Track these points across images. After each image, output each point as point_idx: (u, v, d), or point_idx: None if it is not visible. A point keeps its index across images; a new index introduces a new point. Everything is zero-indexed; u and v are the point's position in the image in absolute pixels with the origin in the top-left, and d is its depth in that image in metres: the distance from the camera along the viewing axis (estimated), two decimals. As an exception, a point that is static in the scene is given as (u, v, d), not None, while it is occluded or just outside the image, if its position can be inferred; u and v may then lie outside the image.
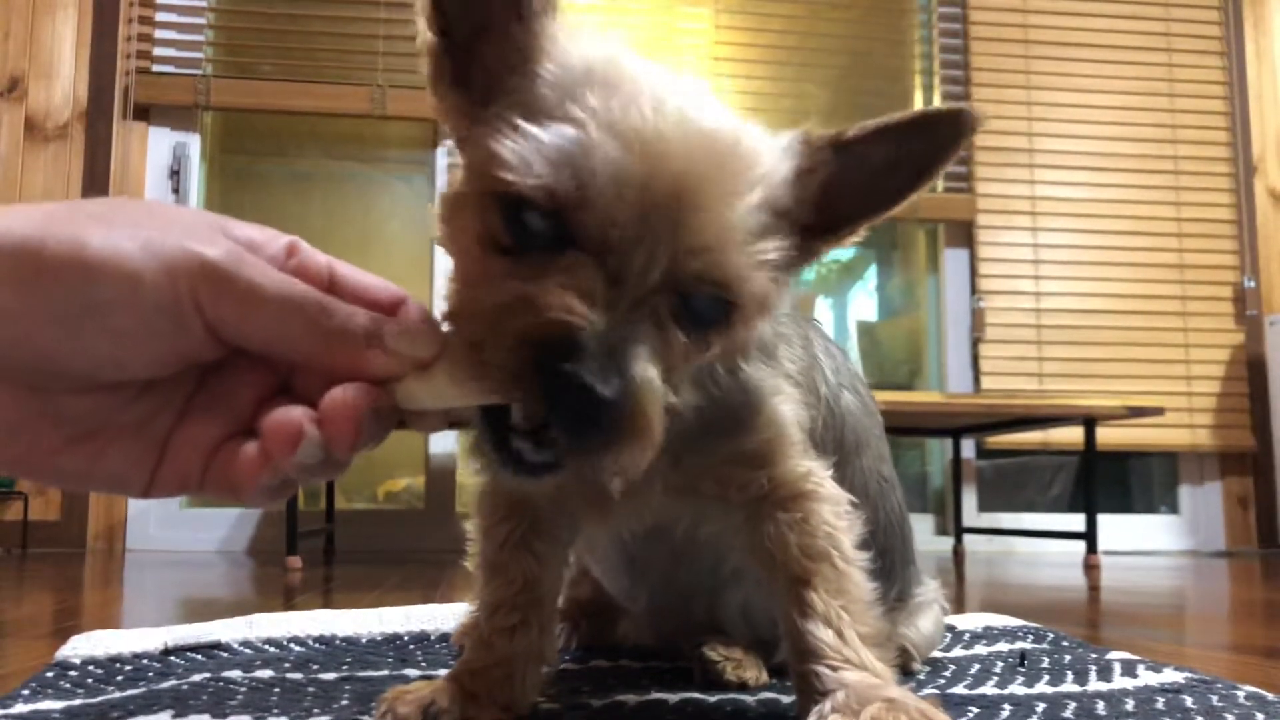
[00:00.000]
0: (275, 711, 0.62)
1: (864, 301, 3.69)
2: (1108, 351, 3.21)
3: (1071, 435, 2.76)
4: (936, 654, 0.88)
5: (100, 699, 0.66)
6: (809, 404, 0.65)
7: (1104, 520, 2.63)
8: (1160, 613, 1.54)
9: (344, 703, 0.66)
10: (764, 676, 0.74)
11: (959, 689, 0.74)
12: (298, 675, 0.75)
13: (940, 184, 3.09)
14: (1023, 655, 0.87)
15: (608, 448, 0.43)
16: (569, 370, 0.41)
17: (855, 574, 0.59)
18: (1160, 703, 0.68)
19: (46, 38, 2.84)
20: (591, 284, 0.43)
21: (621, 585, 0.81)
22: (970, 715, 0.64)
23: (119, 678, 0.74)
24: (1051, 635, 1.01)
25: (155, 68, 2.91)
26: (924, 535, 3.17)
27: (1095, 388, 3.11)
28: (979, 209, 3.21)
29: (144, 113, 2.91)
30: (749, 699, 0.69)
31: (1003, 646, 0.94)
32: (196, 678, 0.72)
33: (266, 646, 0.89)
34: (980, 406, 2.64)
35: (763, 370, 0.61)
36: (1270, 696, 0.70)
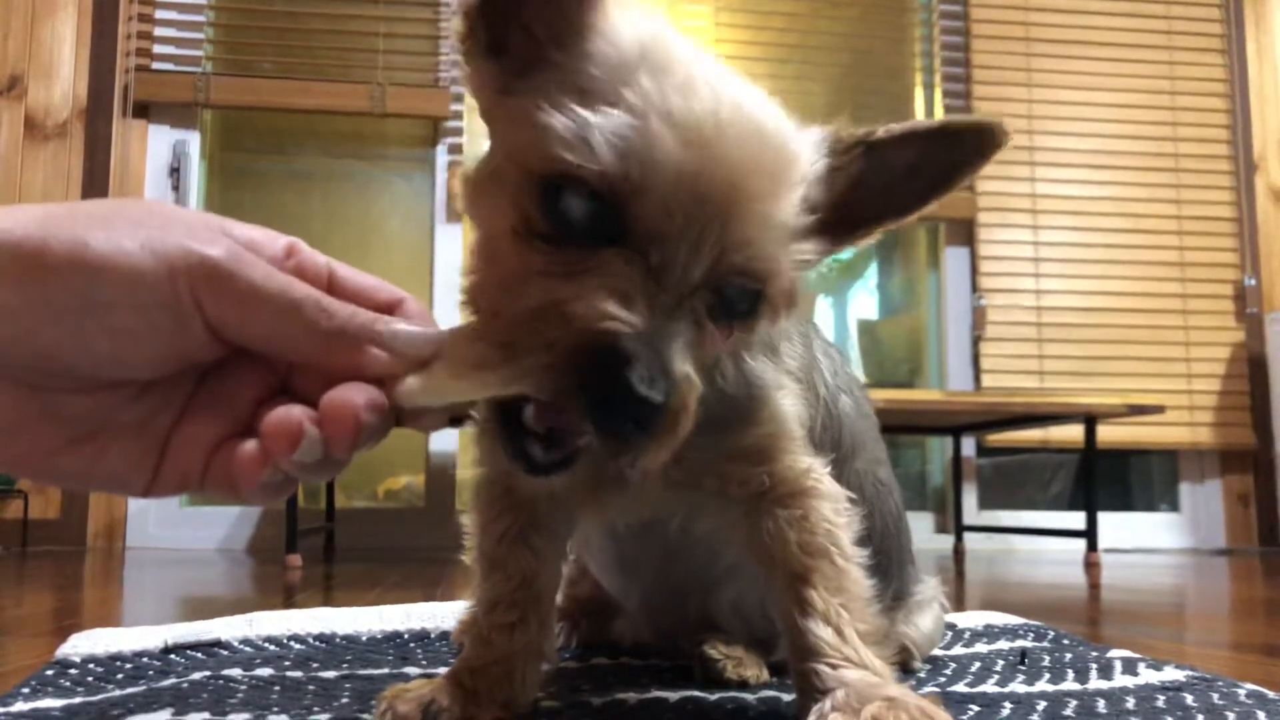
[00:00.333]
0: (275, 709, 0.62)
1: (864, 299, 3.69)
2: (1108, 349, 3.21)
3: (1072, 433, 2.76)
4: (937, 652, 0.87)
5: (100, 697, 0.66)
6: (809, 402, 0.65)
7: (1104, 518, 2.63)
8: (1161, 611, 1.54)
9: (344, 701, 0.66)
10: (764, 675, 0.74)
11: (960, 687, 0.74)
12: (298, 673, 0.75)
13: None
14: (1023, 653, 0.87)
15: (646, 446, 0.43)
16: (623, 380, 0.41)
17: (854, 571, 0.59)
18: (1161, 701, 0.68)
19: (46, 36, 2.84)
20: (631, 284, 0.43)
21: (615, 582, 0.81)
22: (971, 713, 0.64)
23: (119, 676, 0.74)
24: (1052, 633, 1.01)
25: (155, 66, 2.91)
26: (924, 533, 3.17)
27: (1096, 385, 3.11)
28: (979, 207, 3.21)
29: (143, 111, 2.90)
30: (749, 697, 0.69)
31: (1003, 644, 0.94)
32: (196, 676, 0.72)
33: (267, 645, 0.89)
34: (981, 404, 2.64)
35: (766, 365, 0.61)
36: (1271, 694, 0.70)
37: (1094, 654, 0.87)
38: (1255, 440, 3.23)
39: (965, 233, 3.26)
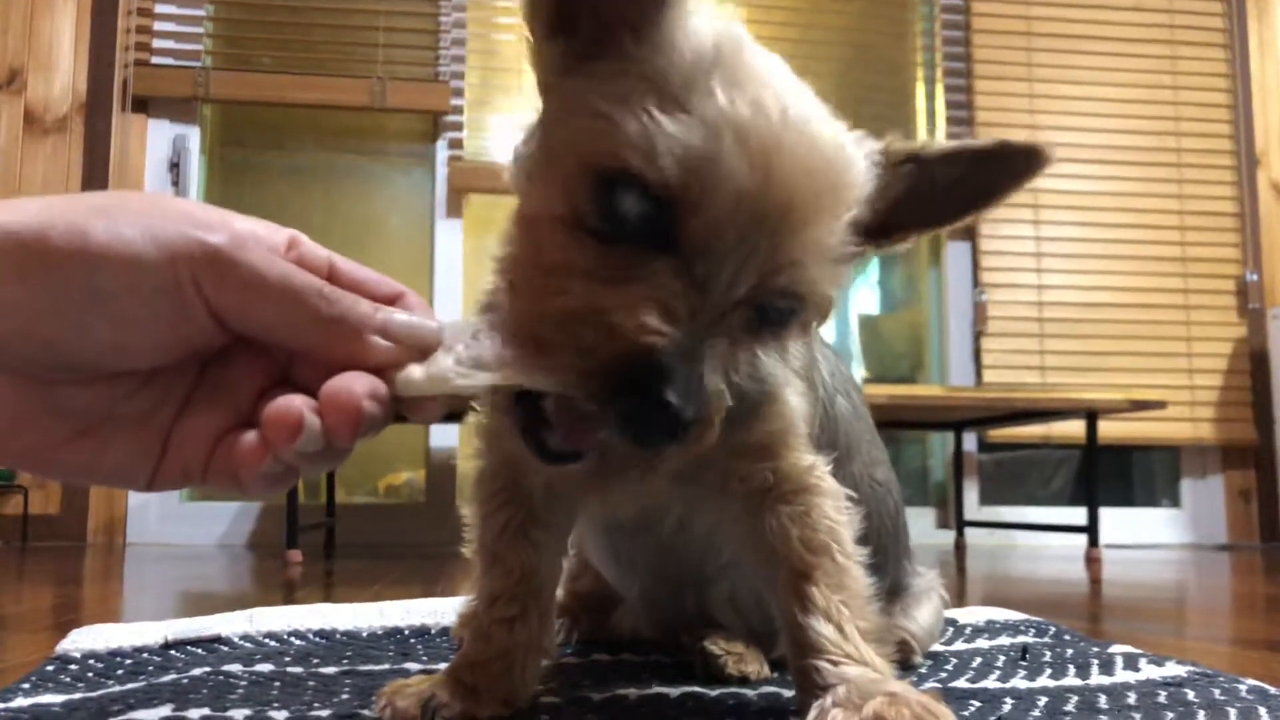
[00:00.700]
0: (275, 705, 0.62)
1: (866, 295, 3.69)
2: (1110, 345, 3.20)
3: (1073, 429, 2.76)
4: (938, 648, 0.87)
5: (100, 693, 0.66)
6: (811, 401, 0.65)
7: (1105, 514, 2.63)
8: (1162, 606, 1.54)
9: (344, 696, 0.65)
10: (765, 670, 0.74)
11: (961, 682, 0.74)
12: (298, 669, 0.75)
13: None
14: (1024, 649, 0.87)
15: (670, 453, 0.44)
16: (658, 396, 0.41)
17: (855, 569, 0.59)
18: (1162, 696, 0.68)
19: (45, 30, 2.83)
20: (676, 297, 0.43)
21: (614, 574, 0.81)
22: (972, 709, 0.64)
23: (119, 671, 0.74)
24: (1053, 629, 1.01)
25: (154, 60, 2.91)
26: (925, 529, 3.17)
27: (1097, 381, 3.11)
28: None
29: (143, 105, 2.90)
30: (750, 693, 0.69)
31: (1004, 640, 0.94)
32: (196, 671, 0.72)
33: (267, 640, 0.88)
34: (982, 400, 2.63)
35: (775, 362, 0.61)
36: (1272, 690, 0.69)
37: (1095, 649, 0.87)
38: (1257, 436, 3.23)
39: (966, 228, 3.25)
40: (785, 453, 0.60)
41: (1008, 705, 0.65)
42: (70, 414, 0.41)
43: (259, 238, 0.42)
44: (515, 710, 0.61)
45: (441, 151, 3.03)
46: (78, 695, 0.65)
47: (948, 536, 3.10)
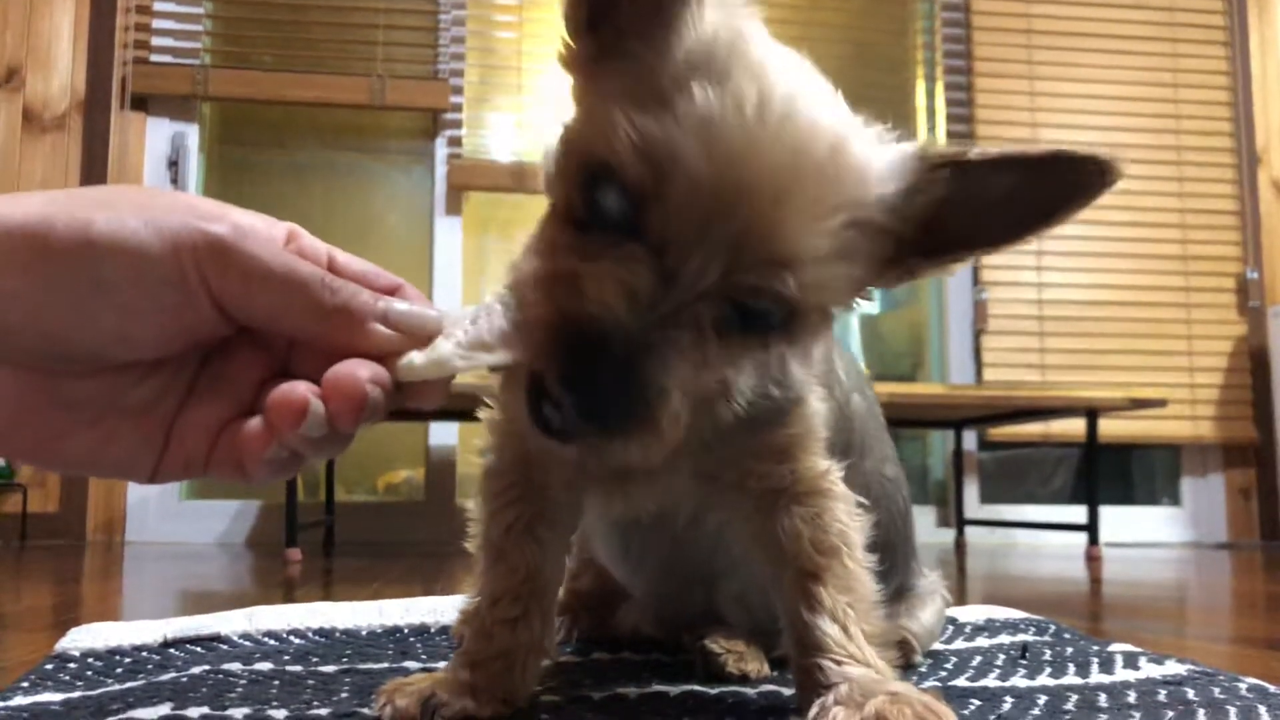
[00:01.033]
0: (275, 704, 0.62)
1: (865, 293, 3.68)
2: (1110, 343, 3.20)
3: (1073, 427, 2.76)
4: (938, 646, 0.87)
5: (99, 691, 0.66)
6: (830, 405, 0.65)
7: (1106, 512, 2.63)
8: (1162, 605, 1.54)
9: (344, 695, 0.65)
10: (765, 669, 0.74)
11: (961, 681, 0.74)
12: (297, 667, 0.75)
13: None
14: (1024, 648, 0.87)
15: (615, 439, 0.44)
16: (589, 367, 0.42)
17: (863, 574, 0.60)
18: (1162, 695, 0.68)
19: (44, 28, 2.83)
20: (640, 280, 0.43)
21: (621, 570, 0.81)
22: (972, 707, 0.64)
23: (118, 670, 0.74)
24: (1053, 627, 1.01)
25: (153, 58, 2.90)
26: (925, 527, 3.17)
27: (1097, 379, 3.11)
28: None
29: (142, 103, 2.90)
30: (750, 691, 0.69)
31: (1004, 639, 0.94)
32: (196, 670, 0.72)
33: (266, 639, 0.88)
34: (982, 398, 2.63)
35: (800, 368, 0.61)
36: (1272, 688, 0.69)
37: (1095, 648, 0.87)
38: (1257, 434, 3.23)
39: (966, 226, 3.25)
40: (803, 455, 0.60)
41: (1007, 704, 0.65)
42: (74, 405, 0.41)
43: (259, 229, 0.43)
44: (515, 709, 0.61)
45: (441, 149, 3.03)
46: (77, 694, 0.65)
47: (948, 535, 3.10)
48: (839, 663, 0.56)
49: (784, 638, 0.61)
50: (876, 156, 0.47)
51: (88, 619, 0.95)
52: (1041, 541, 3.03)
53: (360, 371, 0.41)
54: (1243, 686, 0.70)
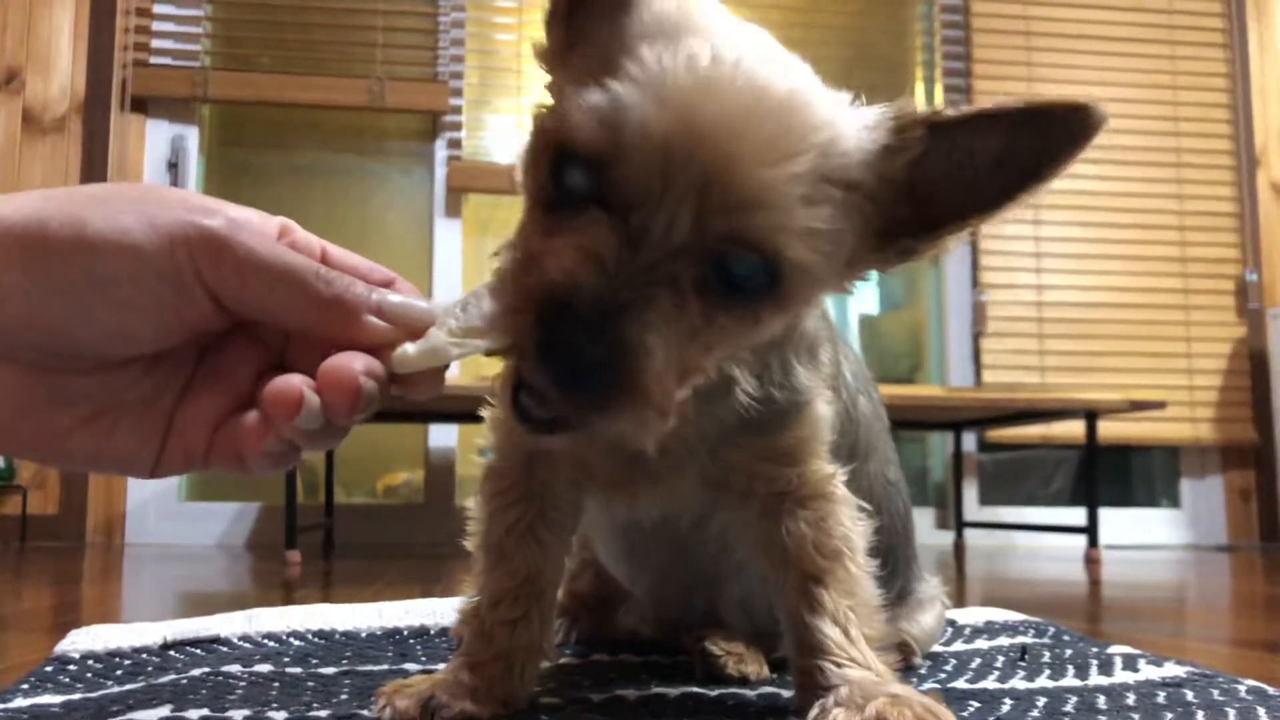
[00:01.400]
0: (274, 706, 0.62)
1: (865, 294, 3.69)
2: (1109, 345, 3.20)
3: (1073, 429, 2.76)
4: (937, 648, 0.87)
5: (99, 693, 0.66)
6: (836, 408, 0.65)
7: (1105, 514, 2.63)
8: (1161, 607, 1.54)
9: (343, 697, 0.65)
10: (765, 671, 0.74)
11: (960, 683, 0.74)
12: (297, 669, 0.75)
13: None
14: (1024, 650, 0.87)
15: (600, 410, 0.43)
16: (558, 330, 0.41)
17: (865, 579, 0.60)
18: (1161, 697, 0.68)
19: (44, 30, 2.83)
20: (603, 244, 0.42)
21: (623, 571, 0.81)
22: (971, 709, 0.64)
23: (118, 672, 0.74)
24: (1052, 629, 1.01)
25: (153, 60, 2.90)
26: (925, 529, 3.17)
27: (1097, 381, 3.11)
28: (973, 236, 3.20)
29: (141, 105, 2.90)
30: (749, 693, 0.69)
31: (1004, 641, 0.94)
32: (195, 672, 0.72)
33: (266, 641, 0.88)
34: (981, 400, 2.63)
35: (808, 371, 0.61)
36: (1271, 690, 0.69)
37: (1094, 650, 0.87)
38: (1256, 436, 3.23)
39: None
40: (809, 459, 0.60)
41: (1006, 706, 0.65)
42: (75, 401, 0.42)
43: (253, 223, 0.43)
44: (514, 711, 0.61)
45: (440, 151, 3.03)
46: (77, 696, 0.65)
47: (947, 537, 3.10)
48: (839, 665, 0.56)
49: (784, 640, 0.61)
50: (842, 112, 0.47)
51: (87, 621, 0.95)
52: (1041, 544, 3.03)
53: (354, 364, 0.42)
54: (1242, 688, 0.70)
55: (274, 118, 3.18)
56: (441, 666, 0.65)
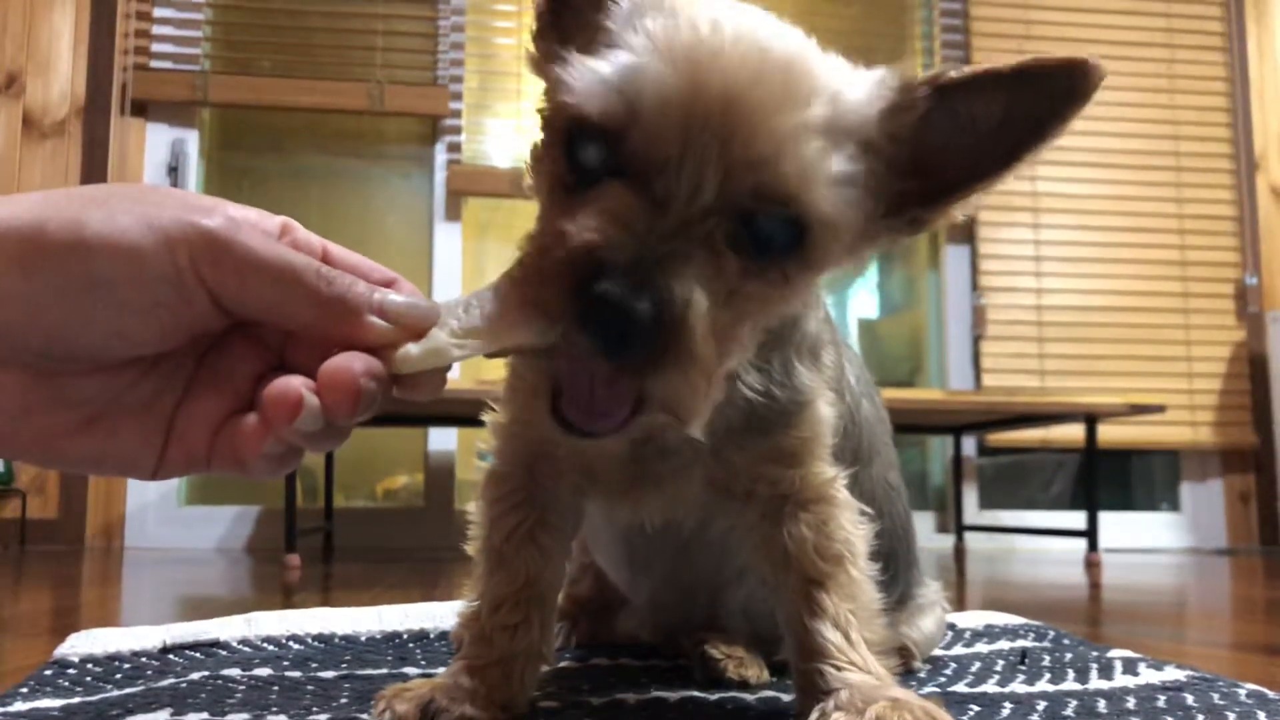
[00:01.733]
0: (274, 709, 0.62)
1: (865, 298, 3.69)
2: (1109, 349, 3.20)
3: (1073, 433, 2.76)
4: (938, 652, 0.87)
5: (99, 697, 0.66)
6: (839, 411, 0.65)
7: (1105, 518, 2.63)
8: (1162, 610, 1.54)
9: (343, 701, 0.65)
10: (765, 675, 0.74)
11: (960, 687, 0.74)
12: (296, 673, 0.75)
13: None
14: (1024, 653, 0.87)
15: (651, 370, 0.42)
16: (597, 289, 0.40)
17: (866, 583, 0.60)
18: (1161, 700, 0.68)
19: (44, 34, 2.84)
20: (629, 209, 0.42)
21: (624, 577, 0.81)
22: (971, 713, 0.64)
23: (117, 676, 0.74)
24: (1052, 633, 1.00)
25: (153, 64, 2.91)
26: (925, 533, 3.17)
27: (1096, 385, 3.11)
28: (980, 205, 3.20)
29: (142, 109, 2.90)
30: (749, 697, 0.69)
31: (1004, 644, 0.94)
32: (195, 676, 0.72)
33: (265, 645, 0.88)
34: (981, 404, 2.63)
35: (812, 372, 0.61)
36: (1271, 694, 0.69)
37: (1094, 654, 0.87)
38: (1256, 439, 3.23)
39: (965, 231, 3.26)
40: (811, 461, 0.60)
41: (1006, 710, 0.65)
42: (76, 404, 0.41)
43: (253, 222, 0.43)
44: (514, 715, 0.61)
45: (440, 155, 3.03)
46: (76, 699, 0.65)
47: (947, 541, 3.10)
48: (840, 669, 0.56)
49: (785, 643, 0.61)
50: (845, 71, 0.48)
51: (87, 624, 0.95)
52: (1041, 547, 3.03)
53: (355, 365, 0.41)
54: (1242, 692, 0.70)
55: (274, 121, 3.18)
56: (441, 670, 0.65)
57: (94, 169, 2.79)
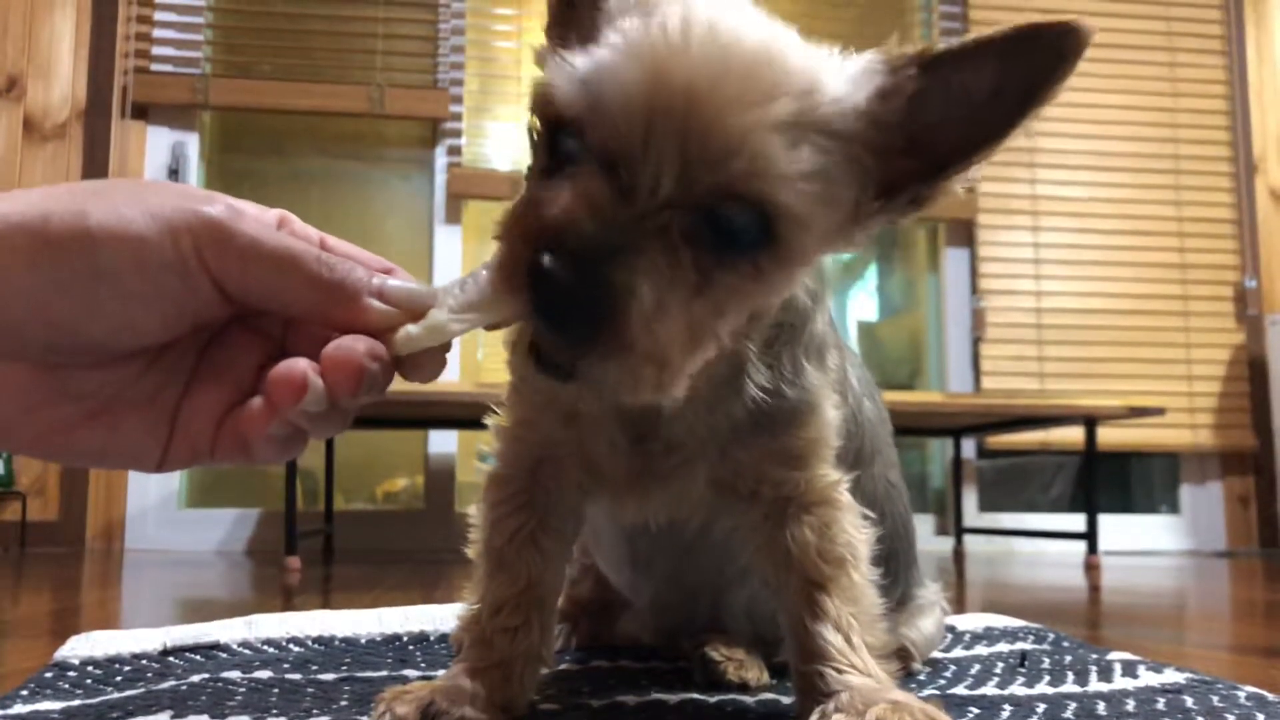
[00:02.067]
0: (274, 712, 0.62)
1: (864, 301, 3.69)
2: (1108, 351, 3.21)
3: (1072, 435, 2.76)
4: (937, 654, 0.87)
5: (99, 699, 0.66)
6: (843, 413, 0.65)
7: (1105, 520, 2.63)
8: (1161, 613, 1.54)
9: (343, 703, 0.65)
10: (765, 677, 0.74)
11: (960, 689, 0.74)
12: (296, 676, 0.75)
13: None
14: (1023, 656, 0.87)
15: (590, 352, 0.43)
16: (543, 264, 0.41)
17: (868, 586, 0.60)
18: (1161, 703, 0.68)
19: (45, 37, 2.84)
20: (596, 193, 0.43)
21: (626, 578, 0.81)
22: (971, 716, 0.64)
23: (118, 678, 0.74)
24: (1052, 636, 1.01)
25: (154, 67, 2.91)
26: (924, 535, 3.17)
27: (1096, 387, 3.11)
28: (979, 208, 3.21)
29: (142, 112, 2.90)
30: (749, 700, 0.69)
31: (1003, 647, 0.94)
32: (195, 678, 0.72)
33: (265, 647, 0.88)
34: (981, 406, 2.63)
35: (818, 374, 0.61)
36: (1271, 697, 0.69)
37: (1094, 656, 0.87)
38: (1256, 442, 3.23)
39: (965, 234, 3.26)
40: (815, 463, 0.60)
41: (1006, 712, 0.65)
42: (81, 397, 0.42)
43: (252, 211, 0.44)
44: (514, 717, 0.61)
45: (440, 158, 3.04)
46: (76, 702, 0.65)
47: (947, 543, 3.10)
48: (840, 671, 0.56)
49: (785, 645, 0.61)
50: (824, 62, 0.48)
51: (87, 627, 0.95)
52: (1040, 550, 3.03)
53: (358, 346, 0.42)
54: (1241, 695, 0.70)
55: (274, 124, 3.19)
56: (441, 673, 0.65)
57: (95, 172, 2.79)
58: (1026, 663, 0.84)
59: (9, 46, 2.82)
